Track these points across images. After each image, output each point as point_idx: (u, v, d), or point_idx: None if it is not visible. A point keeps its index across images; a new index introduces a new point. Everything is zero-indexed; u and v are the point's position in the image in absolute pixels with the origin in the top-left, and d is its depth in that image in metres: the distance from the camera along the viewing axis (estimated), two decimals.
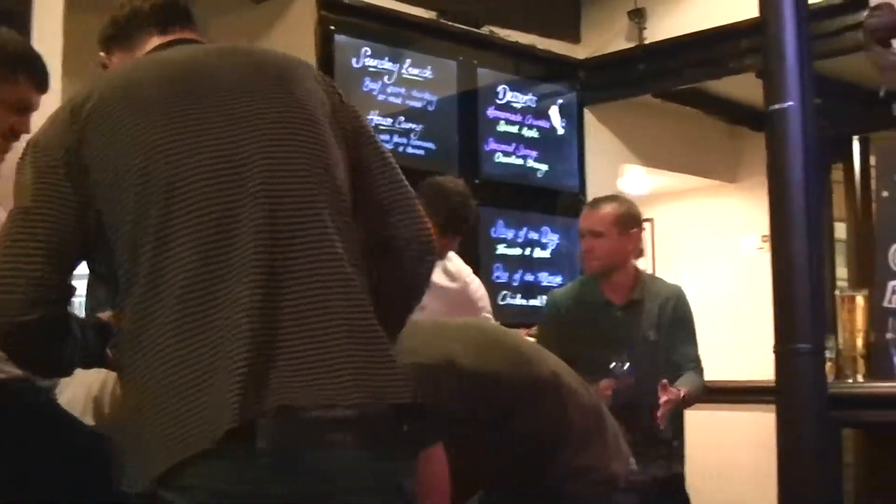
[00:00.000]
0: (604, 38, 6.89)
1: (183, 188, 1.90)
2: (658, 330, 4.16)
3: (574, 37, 7.03)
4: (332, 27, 5.83)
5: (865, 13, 3.14)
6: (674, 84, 6.93)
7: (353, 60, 5.91)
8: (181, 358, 1.83)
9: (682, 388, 3.93)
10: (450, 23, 6.35)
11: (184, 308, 1.85)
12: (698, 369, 4.10)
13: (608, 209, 4.25)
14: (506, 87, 6.71)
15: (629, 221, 4.24)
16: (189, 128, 1.94)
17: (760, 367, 3.51)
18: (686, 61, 6.57)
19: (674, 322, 4.16)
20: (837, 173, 7.47)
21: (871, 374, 3.63)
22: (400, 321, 2.20)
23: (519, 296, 6.68)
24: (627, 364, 4.06)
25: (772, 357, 2.96)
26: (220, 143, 1.94)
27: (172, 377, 1.82)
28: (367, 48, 5.99)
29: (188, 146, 1.93)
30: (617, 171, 7.39)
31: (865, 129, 7.14)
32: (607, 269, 4.24)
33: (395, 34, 6.15)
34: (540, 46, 6.80)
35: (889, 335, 3.49)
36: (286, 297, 1.87)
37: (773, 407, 2.99)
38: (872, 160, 6.97)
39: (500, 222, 6.62)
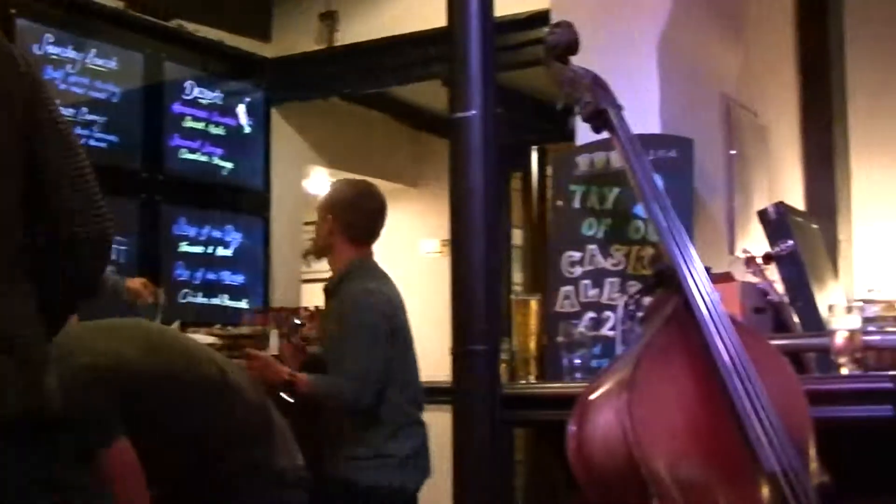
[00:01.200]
0: (294, 38, 6.89)
1: None
2: (338, 327, 4.16)
3: (264, 35, 7.01)
4: (13, 10, 5.60)
5: (546, 30, 3.26)
6: (362, 88, 7.01)
7: (35, 47, 5.69)
8: None
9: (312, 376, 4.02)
10: (138, 14, 6.21)
11: None
12: (350, 376, 4.01)
13: (327, 191, 4.36)
14: (193, 82, 6.62)
15: (327, 206, 4.28)
16: None
17: (439, 368, 3.59)
18: (375, 66, 6.66)
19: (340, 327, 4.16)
20: (516, 181, 7.74)
21: (542, 376, 3.77)
22: (64, 319, 2.13)
23: (200, 294, 6.60)
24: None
25: (449, 358, 3.03)
26: None
27: None
28: (50, 35, 5.79)
29: None
30: (302, 172, 7.41)
31: (543, 139, 7.42)
32: (315, 252, 4.31)
33: (80, 22, 5.97)
34: (229, 43, 6.74)
35: (560, 338, 3.63)
36: None
37: (449, 407, 3.06)
38: (549, 170, 7.25)
39: (183, 220, 6.52)
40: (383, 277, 4.32)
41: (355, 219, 4.29)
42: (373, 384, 4.04)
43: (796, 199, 6.03)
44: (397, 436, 4.15)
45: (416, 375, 4.22)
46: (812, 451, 2.64)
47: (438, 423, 3.83)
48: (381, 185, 7.83)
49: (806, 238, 4.29)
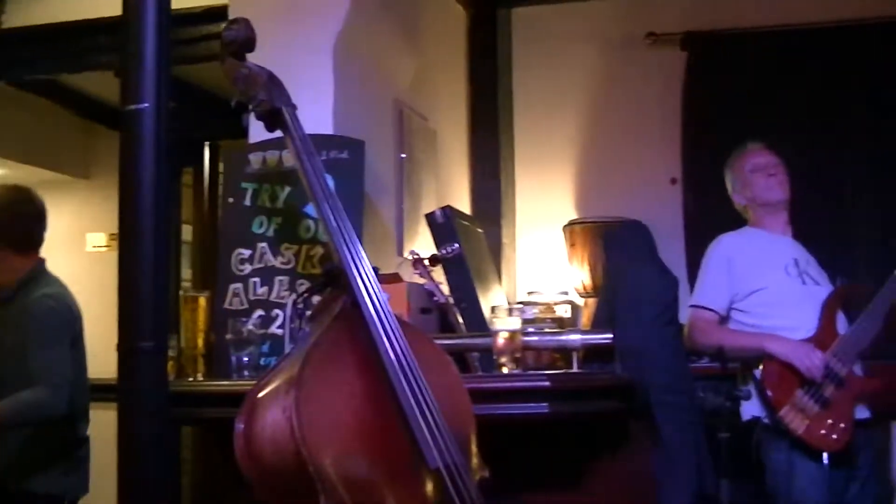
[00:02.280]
0: None
1: None
2: (16, 336, 3.97)
3: None
4: None
5: (223, 25, 3.24)
6: (28, 73, 6.72)
7: None
8: None
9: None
10: None
11: None
12: (43, 383, 3.84)
13: None
14: None
15: None
16: None
17: (105, 365, 3.51)
18: (44, 52, 6.40)
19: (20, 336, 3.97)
20: (187, 177, 7.62)
21: (210, 373, 3.74)
22: None
23: None
24: None
25: (115, 355, 2.96)
26: None
27: None
28: None
29: None
30: None
31: (216, 135, 7.34)
32: None
33: None
34: None
35: (228, 336, 3.61)
36: None
37: (115, 405, 2.99)
38: (221, 166, 7.19)
39: None
40: (60, 285, 4.17)
41: (13, 227, 4.12)
42: (66, 390, 3.88)
43: (463, 203, 6.23)
44: (63, 446, 4.03)
45: (87, 389, 4.07)
46: (474, 447, 2.73)
47: (104, 420, 3.74)
48: (49, 175, 7.60)
49: (471, 241, 4.44)
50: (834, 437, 3.89)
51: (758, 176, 4.29)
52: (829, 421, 3.90)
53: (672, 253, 5.73)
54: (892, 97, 6.08)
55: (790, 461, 3.92)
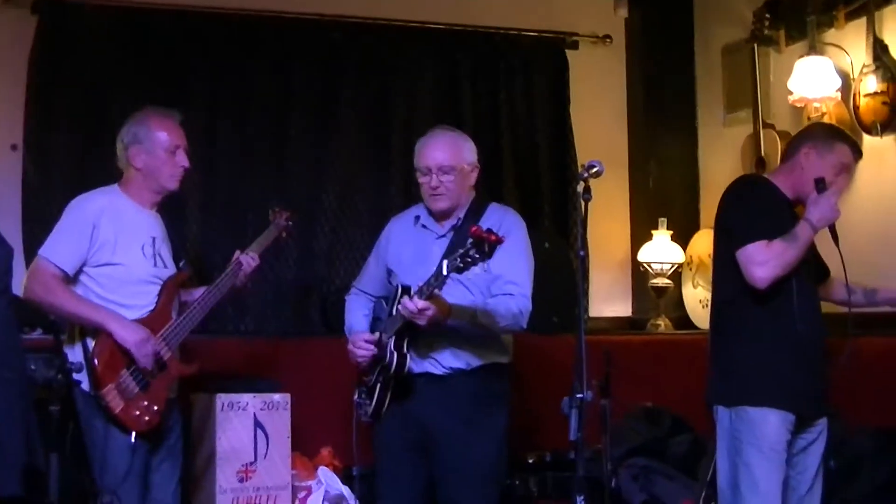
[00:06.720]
0: None
1: None
2: None
3: None
4: None
5: None
6: None
7: None
8: None
9: None
10: None
11: None
12: None
13: None
14: None
15: None
16: None
17: None
18: None
19: None
20: None
21: None
22: None
23: None
24: None
25: None
26: None
27: None
28: None
29: None
30: None
31: None
32: None
33: None
34: None
35: None
36: None
37: None
38: None
39: None
40: None
41: None
42: None
43: None
44: None
45: None
46: None
47: None
48: None
49: None
50: (146, 418, 4.08)
51: (165, 162, 4.22)
52: (145, 403, 4.07)
53: (7, 221, 5.60)
54: (228, 82, 6.51)
55: (106, 429, 4.02)
